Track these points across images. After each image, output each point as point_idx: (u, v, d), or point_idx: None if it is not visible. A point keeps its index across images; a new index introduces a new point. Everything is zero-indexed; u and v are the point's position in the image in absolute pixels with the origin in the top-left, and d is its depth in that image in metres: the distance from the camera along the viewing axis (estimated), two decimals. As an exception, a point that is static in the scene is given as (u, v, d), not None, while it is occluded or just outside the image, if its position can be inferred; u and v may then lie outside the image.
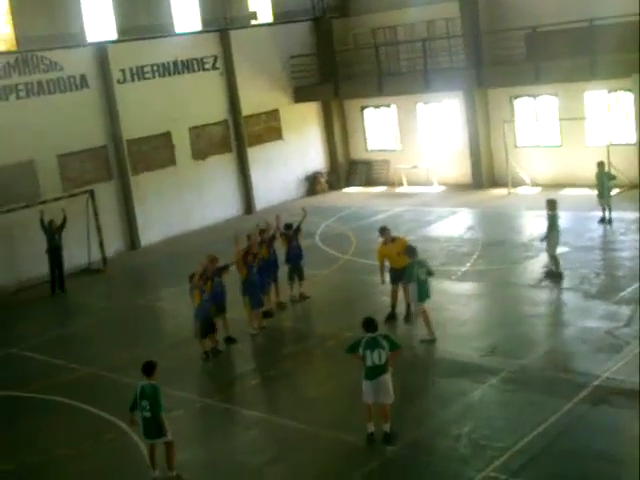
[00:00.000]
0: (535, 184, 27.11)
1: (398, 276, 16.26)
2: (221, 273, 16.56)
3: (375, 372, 11.72)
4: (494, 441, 11.54)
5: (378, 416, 11.82)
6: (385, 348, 11.72)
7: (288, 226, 18.69)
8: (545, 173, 27.14)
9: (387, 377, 11.78)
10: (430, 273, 15.61)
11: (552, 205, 18.23)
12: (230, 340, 16.81)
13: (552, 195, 25.41)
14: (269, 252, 18.00)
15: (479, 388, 13.28)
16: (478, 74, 26.59)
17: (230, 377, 15.89)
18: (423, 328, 15.51)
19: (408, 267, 15.52)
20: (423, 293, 15.50)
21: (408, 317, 16.60)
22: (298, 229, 18.77)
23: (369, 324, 12.02)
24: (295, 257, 18.51)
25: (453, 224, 24.25)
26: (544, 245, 18.38)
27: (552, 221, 18.12)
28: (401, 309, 16.78)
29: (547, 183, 26.84)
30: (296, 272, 18.56)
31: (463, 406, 12.78)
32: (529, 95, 27.31)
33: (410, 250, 15.75)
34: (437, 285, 18.56)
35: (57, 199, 23.22)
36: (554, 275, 18.02)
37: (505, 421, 12.23)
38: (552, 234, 18.05)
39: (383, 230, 16.98)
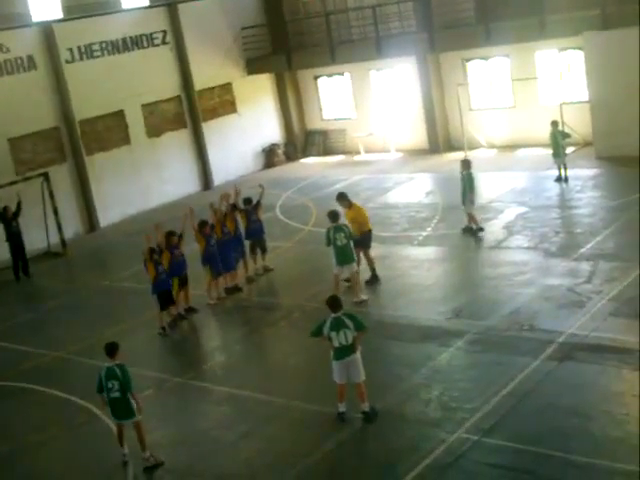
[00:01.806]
0: (491, 146, 27.31)
1: (356, 242, 16.41)
2: (178, 245, 16.71)
3: (343, 352, 11.59)
4: (464, 403, 11.70)
5: (354, 396, 11.72)
6: (351, 328, 11.53)
7: (247, 201, 18.62)
8: (500, 135, 27.34)
9: (356, 357, 11.62)
10: (350, 236, 15.80)
11: (466, 165, 19.01)
12: (191, 310, 17.00)
13: (508, 156, 25.89)
14: (235, 227, 17.97)
15: (446, 351, 13.43)
16: (430, 38, 26.57)
17: (198, 353, 15.90)
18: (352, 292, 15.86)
19: (326, 232, 15.91)
20: (341, 257, 15.73)
21: (371, 281, 16.88)
22: (258, 204, 18.71)
23: (333, 303, 11.76)
24: (256, 232, 18.46)
25: (412, 190, 24.34)
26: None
27: (467, 180, 18.83)
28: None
29: (502, 144, 27.08)
30: (259, 246, 18.55)
31: (431, 370, 12.91)
32: (481, 58, 27.39)
33: (329, 214, 16.03)
34: (399, 251, 18.85)
35: (12, 183, 22.85)
36: (473, 231, 18.79)
37: (473, 382, 12.39)
38: (467, 193, 18.77)
39: (340, 197, 17.10)
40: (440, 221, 20.39)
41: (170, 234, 16.75)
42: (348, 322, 11.59)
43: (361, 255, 16.81)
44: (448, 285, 16.95)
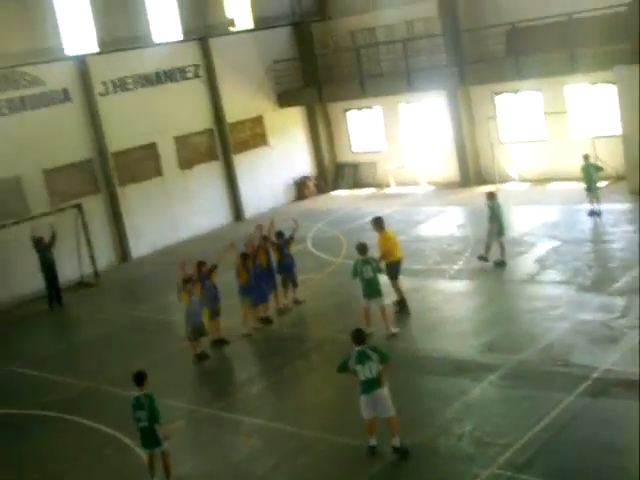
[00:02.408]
0: (522, 179, 27.20)
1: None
2: (210, 275, 16.81)
3: (370, 386, 11.50)
4: (497, 438, 11.55)
5: (386, 430, 11.60)
6: (375, 360, 11.47)
7: (279, 234, 18.67)
8: (532, 168, 27.21)
9: (383, 391, 11.52)
10: (378, 270, 15.87)
11: (491, 197, 19.04)
12: (222, 342, 17.04)
13: (540, 190, 25.76)
14: (267, 259, 18.01)
15: (478, 385, 13.29)
16: (460, 72, 26.66)
17: (229, 384, 15.87)
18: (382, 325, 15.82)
19: (353, 264, 16.02)
20: (368, 290, 15.75)
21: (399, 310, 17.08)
22: (291, 239, 18.76)
23: (357, 336, 11.75)
24: (287, 266, 18.47)
25: (443, 223, 24.29)
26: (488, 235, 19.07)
27: (492, 212, 18.87)
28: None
29: (534, 178, 26.94)
30: (289, 280, 18.54)
31: (464, 404, 12.77)
32: (511, 91, 27.38)
33: (358, 247, 16.05)
34: (431, 284, 18.78)
35: (46, 214, 23.15)
36: (482, 258, 18.91)
37: (507, 417, 12.24)
38: (492, 224, 18.83)
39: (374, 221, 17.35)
40: (472, 254, 20.24)
41: (200, 264, 16.86)
42: (372, 355, 11.53)
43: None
44: (480, 319, 16.79)
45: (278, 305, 18.41)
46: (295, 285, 18.66)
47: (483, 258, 18.96)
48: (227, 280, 17.83)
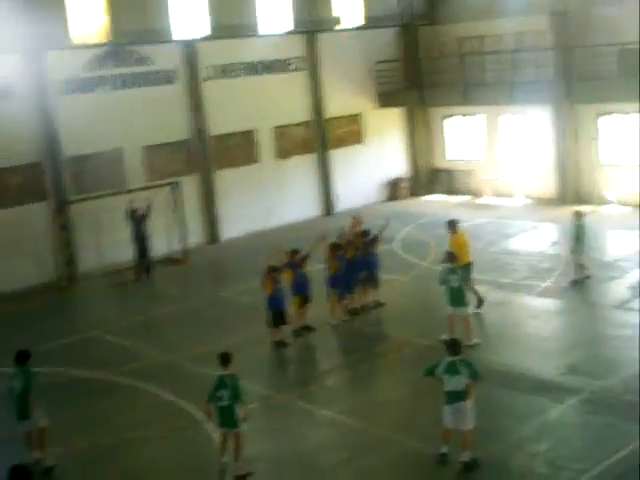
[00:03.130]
0: (623, 203, 26.45)
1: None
2: (302, 264, 17.01)
3: (453, 398, 11.35)
4: (572, 462, 11.27)
5: (457, 442, 11.44)
6: (464, 374, 11.31)
7: (365, 233, 18.60)
8: (633, 192, 26.43)
9: (466, 404, 11.34)
10: (463, 280, 15.77)
11: (579, 215, 18.89)
12: (308, 328, 17.21)
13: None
14: (356, 255, 17.95)
15: (557, 407, 13.00)
16: (567, 88, 26.14)
17: (306, 374, 15.91)
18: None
19: (441, 271, 16.01)
20: (453, 299, 15.65)
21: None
22: (376, 238, 18.59)
23: (452, 347, 11.59)
24: (369, 265, 18.30)
25: (535, 239, 23.85)
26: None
27: (579, 230, 18.80)
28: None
29: (635, 203, 26.13)
30: (370, 279, 18.40)
31: (541, 424, 12.50)
32: (619, 112, 26.68)
33: (446, 254, 16.07)
34: (517, 299, 18.47)
35: (143, 189, 23.68)
36: (580, 282, 18.79)
37: (584, 443, 11.95)
38: (579, 243, 18.74)
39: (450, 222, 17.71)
40: (562, 274, 19.81)
41: (294, 252, 17.09)
42: (463, 369, 11.36)
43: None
44: (565, 339, 16.43)
45: (365, 299, 18.42)
46: (375, 286, 18.52)
47: (580, 280, 18.82)
48: (314, 271, 17.87)
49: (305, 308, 17.27)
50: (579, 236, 18.82)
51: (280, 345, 16.66)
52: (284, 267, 16.72)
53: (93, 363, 16.74)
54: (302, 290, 17.05)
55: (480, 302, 17.44)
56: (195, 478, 11.89)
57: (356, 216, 19.20)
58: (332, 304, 17.69)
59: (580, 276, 18.83)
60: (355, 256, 17.99)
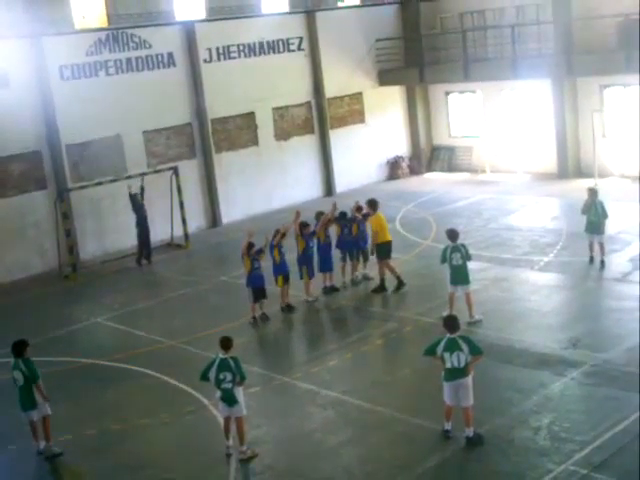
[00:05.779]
0: (623, 176, 26.38)
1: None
2: (312, 236, 18.14)
3: (454, 375, 11.40)
4: (574, 434, 11.35)
5: (460, 419, 11.52)
6: (465, 351, 11.33)
7: (343, 215, 19.11)
8: (634, 164, 26.35)
9: (467, 381, 11.41)
10: (468, 257, 15.73)
11: (594, 193, 18.45)
12: (289, 308, 17.70)
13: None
14: (344, 232, 18.87)
15: (560, 380, 13.05)
16: (568, 62, 25.98)
17: (308, 355, 16.00)
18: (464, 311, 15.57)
19: (443, 249, 15.99)
20: (456, 277, 15.66)
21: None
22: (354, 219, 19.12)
23: (450, 324, 11.61)
24: (347, 244, 18.94)
25: (536, 214, 23.81)
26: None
27: (601, 209, 18.28)
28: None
29: (636, 175, 26.06)
30: (358, 255, 19.11)
31: (543, 398, 12.57)
32: (620, 84, 26.54)
33: (448, 232, 16.01)
34: (518, 274, 18.47)
35: (143, 174, 23.68)
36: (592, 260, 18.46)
37: (586, 415, 12.00)
38: (602, 220, 18.27)
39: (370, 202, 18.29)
40: (563, 248, 19.84)
41: (303, 225, 17.92)
42: (463, 345, 11.38)
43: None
44: (567, 313, 16.46)
45: (351, 276, 19.10)
46: (366, 259, 19.14)
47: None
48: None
49: (286, 286, 17.75)
50: (603, 213, 18.25)
51: (264, 319, 17.24)
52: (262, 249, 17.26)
53: (95, 350, 16.84)
54: (284, 270, 17.61)
55: (382, 287, 18.17)
56: (203, 461, 11.96)
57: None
58: (305, 282, 18.20)
59: (602, 256, 18.33)
60: (341, 235, 18.80)
